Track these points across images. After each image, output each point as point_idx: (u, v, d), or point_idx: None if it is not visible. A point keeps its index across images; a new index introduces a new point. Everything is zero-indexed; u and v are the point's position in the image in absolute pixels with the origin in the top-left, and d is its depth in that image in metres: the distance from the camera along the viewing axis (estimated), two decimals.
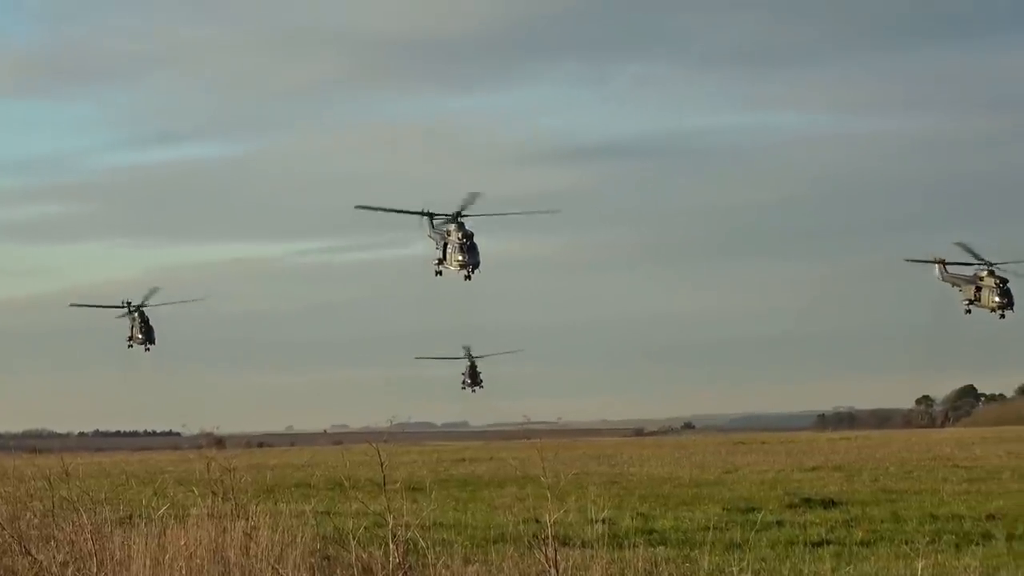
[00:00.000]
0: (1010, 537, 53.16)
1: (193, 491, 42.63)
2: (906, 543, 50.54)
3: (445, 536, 45.11)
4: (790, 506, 69.41)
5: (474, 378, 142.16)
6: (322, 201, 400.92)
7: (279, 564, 32.06)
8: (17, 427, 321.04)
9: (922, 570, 31.58)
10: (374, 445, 38.22)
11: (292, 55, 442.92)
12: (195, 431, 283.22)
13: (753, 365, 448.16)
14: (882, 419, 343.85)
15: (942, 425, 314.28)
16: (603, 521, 54.30)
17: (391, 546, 33.30)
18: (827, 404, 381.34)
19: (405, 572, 31.83)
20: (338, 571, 33.47)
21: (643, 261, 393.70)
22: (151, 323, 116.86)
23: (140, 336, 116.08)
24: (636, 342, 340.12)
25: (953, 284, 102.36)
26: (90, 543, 36.55)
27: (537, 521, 37.68)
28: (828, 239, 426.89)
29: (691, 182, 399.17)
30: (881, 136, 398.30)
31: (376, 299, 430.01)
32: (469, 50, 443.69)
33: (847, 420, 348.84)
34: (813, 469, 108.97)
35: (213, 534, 33.40)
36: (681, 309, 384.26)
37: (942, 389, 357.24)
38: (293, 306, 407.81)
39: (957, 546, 50.86)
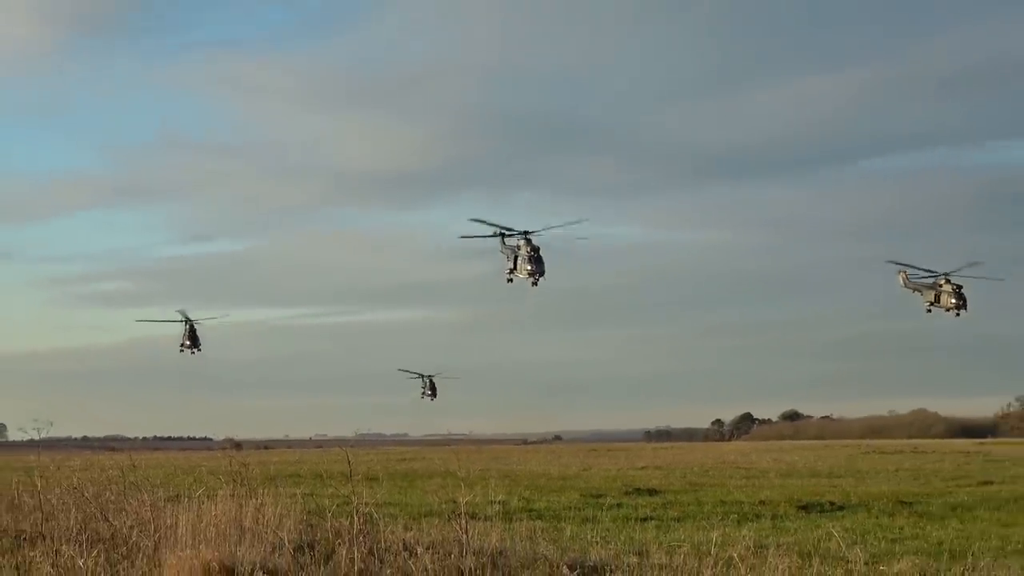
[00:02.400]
0: (774, 516, 53.86)
1: (220, 479, 43.31)
2: (704, 519, 51.07)
3: (391, 511, 45.32)
4: (626, 493, 70.26)
5: (433, 391, 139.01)
6: (308, 282, 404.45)
7: (279, 529, 33.19)
8: (100, 432, 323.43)
9: (715, 537, 32.23)
10: (343, 449, 39.18)
11: (287, 183, 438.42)
12: (221, 437, 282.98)
13: (600, 396, 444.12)
14: (689, 435, 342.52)
15: (729, 440, 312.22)
16: (498, 502, 55.83)
17: (354, 517, 34.18)
18: (651, 424, 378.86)
19: (364, 535, 32.75)
20: (318, 534, 34.57)
21: (529, 324, 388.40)
22: (197, 333, 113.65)
23: (189, 342, 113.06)
24: (523, 379, 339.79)
25: (915, 290, 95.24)
26: (149, 514, 37.29)
27: (454, 502, 38.99)
28: (652, 311, 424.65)
29: (563, 272, 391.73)
30: (691, 243, 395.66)
31: (345, 348, 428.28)
32: (408, 182, 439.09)
33: (665, 435, 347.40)
34: (642, 468, 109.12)
35: (233, 508, 34.22)
36: (554, 357, 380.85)
37: (728, 414, 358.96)
38: (287, 352, 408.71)
39: (739, 522, 50.75)
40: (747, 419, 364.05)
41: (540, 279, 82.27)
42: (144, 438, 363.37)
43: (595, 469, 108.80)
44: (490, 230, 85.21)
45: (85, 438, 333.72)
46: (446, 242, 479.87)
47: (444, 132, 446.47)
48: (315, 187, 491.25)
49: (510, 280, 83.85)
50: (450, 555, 30.32)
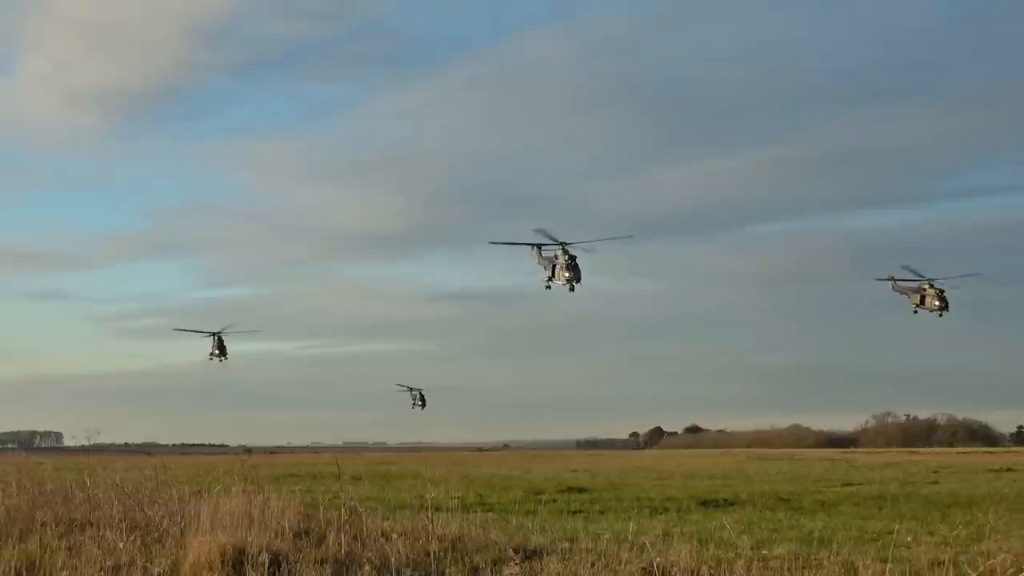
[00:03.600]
0: (679, 510, 53.68)
1: (233, 478, 43.08)
2: (623, 512, 50.84)
3: (372, 505, 45.09)
4: (560, 491, 69.90)
5: (423, 402, 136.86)
6: (308, 320, 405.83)
7: (281, 518, 32.99)
8: (139, 440, 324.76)
9: (631, 527, 32.17)
10: (333, 455, 39.12)
11: (292, 241, 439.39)
12: (235, 444, 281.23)
13: (541, 412, 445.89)
14: (611, 444, 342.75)
15: (643, 448, 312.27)
16: (458, 498, 55.90)
17: (342, 509, 34.17)
18: (582, 435, 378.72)
19: (350, 524, 32.65)
20: (313, 523, 34.38)
21: (489, 355, 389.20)
22: (225, 343, 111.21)
23: (217, 351, 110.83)
24: (479, 399, 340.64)
25: (902, 293, 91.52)
26: (176, 506, 37.20)
27: (422, 497, 38.69)
28: (583, 345, 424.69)
29: (513, 312, 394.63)
30: (615, 291, 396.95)
31: (336, 373, 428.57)
32: (388, 241, 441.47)
33: (592, 444, 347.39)
34: (573, 471, 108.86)
35: (244, 502, 33.91)
36: (505, 381, 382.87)
37: (643, 428, 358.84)
38: (290, 375, 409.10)
39: (650, 515, 50.41)
40: (657, 432, 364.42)
41: (577, 285, 77.82)
42: (173, 444, 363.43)
43: (535, 471, 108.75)
44: (526, 240, 79.77)
45: (126, 444, 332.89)
46: (419, 289, 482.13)
47: (418, 202, 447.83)
48: (314, 245, 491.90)
49: (548, 287, 78.62)
50: (419, 540, 30.32)
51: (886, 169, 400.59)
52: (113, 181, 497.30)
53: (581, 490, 71.15)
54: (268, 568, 25.07)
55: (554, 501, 60.82)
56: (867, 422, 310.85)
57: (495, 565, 26.68)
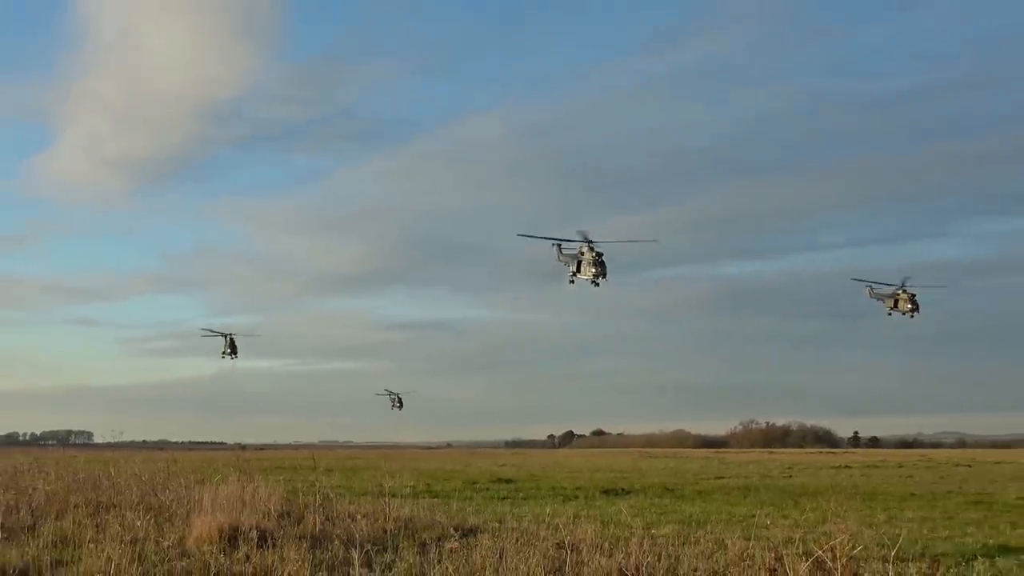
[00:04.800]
0: (586, 498, 53.32)
1: (230, 469, 42.91)
2: (542, 499, 50.47)
3: (341, 491, 45.03)
4: (492, 481, 69.52)
5: (401, 404, 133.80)
6: (292, 343, 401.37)
7: (267, 502, 32.82)
8: (154, 438, 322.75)
9: (548, 510, 32.18)
10: (310, 451, 39.00)
11: (280, 280, 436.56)
12: (232, 442, 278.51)
13: (476, 417, 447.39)
14: (532, 444, 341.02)
15: (558, 448, 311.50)
16: (410, 487, 55.69)
17: (317, 494, 34.13)
18: (509, 436, 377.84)
19: (323, 507, 32.53)
20: (293, 506, 34.22)
21: (435, 371, 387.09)
22: (236, 343, 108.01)
23: (229, 350, 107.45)
24: (428, 407, 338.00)
25: (878, 299, 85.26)
26: (184, 491, 37.12)
27: (381, 486, 38.73)
28: (509, 364, 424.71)
29: (455, 337, 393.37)
30: (535, 320, 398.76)
31: (315, 385, 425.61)
32: (356, 280, 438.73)
33: (517, 444, 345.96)
34: (502, 465, 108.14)
35: (238, 489, 33.69)
36: (448, 393, 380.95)
37: (558, 430, 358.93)
38: (278, 386, 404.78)
39: (563, 501, 50.22)
40: (569, 434, 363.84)
41: (602, 280, 68.27)
42: (182, 442, 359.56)
43: (472, 466, 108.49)
44: (550, 239, 70.42)
45: (144, 442, 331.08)
46: (380, 319, 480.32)
47: (380, 248, 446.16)
48: (297, 283, 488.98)
49: (572, 282, 68.84)
50: (378, 520, 30.37)
51: (750, 228, 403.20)
52: (137, 230, 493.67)
53: (508, 481, 70.78)
54: (257, 542, 24.94)
55: (487, 490, 60.77)
56: (736, 427, 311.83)
57: (439, 540, 26.69)
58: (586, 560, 21.70)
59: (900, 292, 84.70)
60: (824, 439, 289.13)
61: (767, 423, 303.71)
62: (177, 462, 55.75)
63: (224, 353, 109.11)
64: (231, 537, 26.17)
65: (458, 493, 54.80)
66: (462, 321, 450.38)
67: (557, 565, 21.20)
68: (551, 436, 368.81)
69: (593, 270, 67.23)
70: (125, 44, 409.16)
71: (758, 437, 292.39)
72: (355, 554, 21.38)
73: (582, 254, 68.36)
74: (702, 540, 27.55)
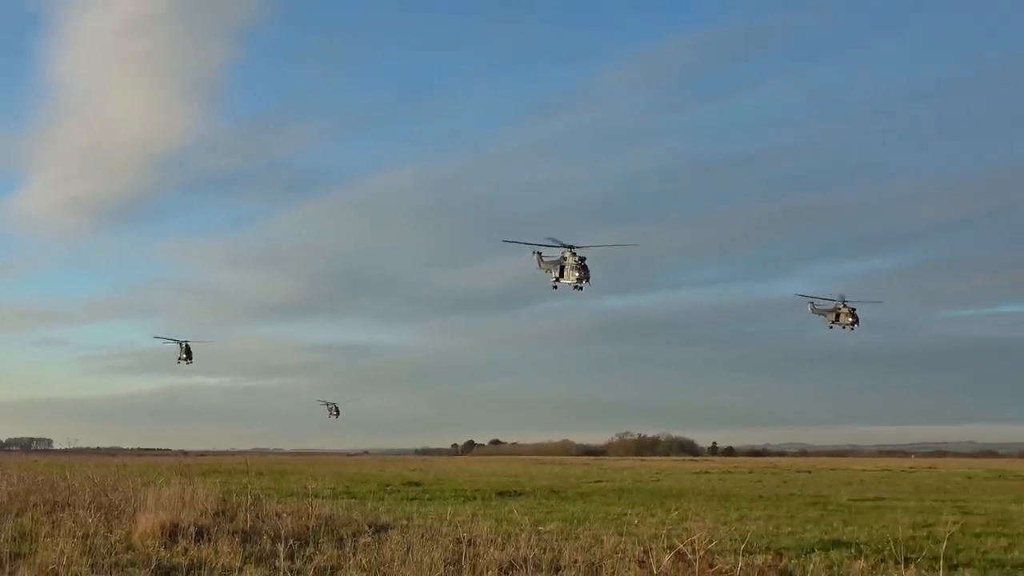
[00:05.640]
0: (483, 499, 52.82)
1: (173, 473, 42.28)
2: (445, 500, 50.17)
3: (270, 492, 44.43)
4: (402, 484, 68.85)
5: (338, 413, 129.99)
6: (231, 362, 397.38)
7: (205, 502, 32.34)
8: (108, 444, 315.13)
9: (450, 510, 32.24)
10: (244, 458, 38.53)
11: (222, 307, 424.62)
12: (176, 449, 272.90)
13: (388, 428, 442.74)
14: (439, 452, 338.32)
15: (460, 455, 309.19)
16: (330, 488, 55.12)
17: (248, 495, 33.76)
18: (418, 445, 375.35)
19: (253, 506, 32.13)
20: (228, 505, 33.66)
21: (353, 387, 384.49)
22: (191, 349, 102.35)
23: (185, 356, 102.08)
24: (347, 419, 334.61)
25: (819, 314, 79.11)
26: (131, 492, 36.50)
27: (305, 487, 38.29)
28: (418, 383, 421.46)
29: (369, 358, 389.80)
30: (441, 346, 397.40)
31: (250, 399, 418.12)
32: (286, 309, 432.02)
33: (425, 452, 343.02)
34: (411, 470, 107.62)
35: (179, 490, 33.23)
36: (364, 406, 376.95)
37: (460, 440, 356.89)
38: (216, 400, 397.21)
39: (464, 502, 49.00)
40: (470, 443, 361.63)
41: (586, 284, 61.87)
42: (132, 448, 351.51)
43: (386, 471, 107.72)
44: (531, 244, 64.07)
45: (98, 448, 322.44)
46: (305, 342, 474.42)
47: (307, 281, 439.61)
48: (235, 311, 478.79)
49: (555, 287, 62.53)
50: (302, 518, 30.01)
51: (627, 267, 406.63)
52: (98, 263, 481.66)
53: (416, 484, 70.41)
54: (194, 537, 24.94)
55: (398, 492, 60.35)
56: (613, 438, 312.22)
57: (354, 536, 26.53)
58: (481, 553, 21.76)
59: (841, 307, 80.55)
60: (688, 448, 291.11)
61: (640, 434, 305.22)
62: (126, 466, 54.76)
63: (180, 359, 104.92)
64: (172, 533, 25.89)
65: (373, 495, 54.53)
66: (377, 344, 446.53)
67: (456, 557, 21.18)
68: (455, 445, 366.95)
69: (576, 274, 62.21)
70: (90, 99, 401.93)
71: (632, 446, 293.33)
72: (280, 548, 21.26)
73: (564, 259, 62.91)
74: (582, 536, 27.73)
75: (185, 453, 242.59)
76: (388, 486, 66.72)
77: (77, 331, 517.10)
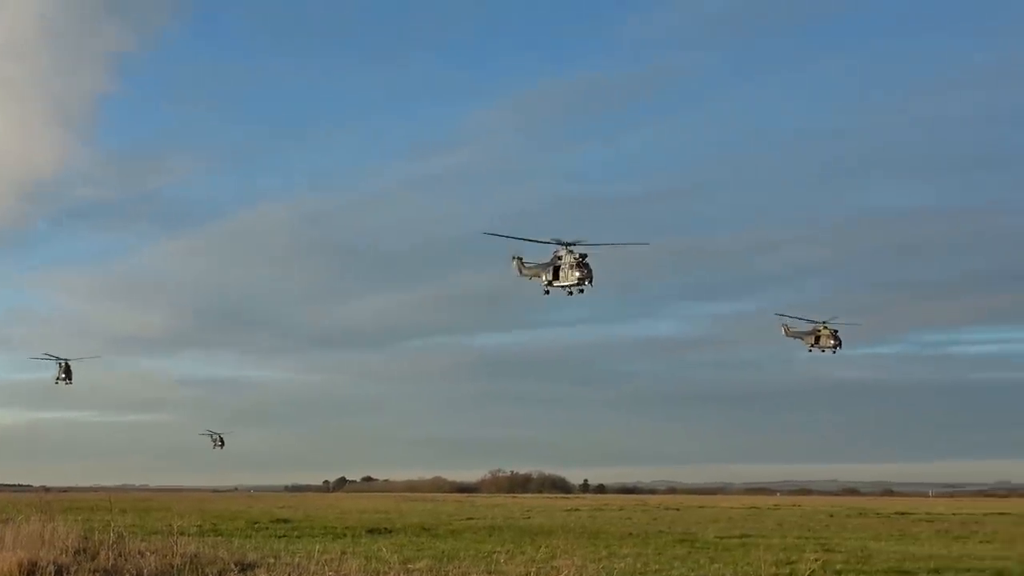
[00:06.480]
0: (353, 536, 52.60)
1: (34, 510, 41.11)
2: (315, 537, 49.72)
3: (134, 530, 43.54)
4: (272, 521, 68.07)
5: (223, 443, 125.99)
6: (97, 397, 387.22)
7: (65, 539, 31.81)
8: None
9: (318, 547, 31.92)
10: (108, 494, 37.72)
11: (87, 341, 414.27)
12: (37, 485, 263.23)
13: (258, 464, 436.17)
14: (310, 488, 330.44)
15: (331, 492, 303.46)
16: (197, 526, 54.01)
17: (111, 532, 33.12)
18: (289, 481, 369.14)
19: (116, 543, 31.59)
20: (89, 543, 33.09)
21: (222, 422, 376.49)
22: (71, 368, 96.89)
23: (64, 375, 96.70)
24: (217, 454, 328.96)
25: (795, 337, 74.09)
26: None
27: (171, 525, 37.52)
28: (288, 419, 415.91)
29: (242, 394, 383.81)
30: (311, 382, 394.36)
31: (117, 436, 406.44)
32: (156, 341, 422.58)
33: (295, 488, 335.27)
34: (281, 507, 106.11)
35: (39, 527, 32.71)
36: (236, 441, 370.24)
37: (332, 476, 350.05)
38: (83, 436, 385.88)
39: (334, 539, 49.74)
40: (342, 480, 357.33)
41: (588, 286, 53.25)
42: None
43: (254, 507, 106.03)
44: (514, 242, 55.82)
45: None
46: (174, 376, 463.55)
47: (178, 315, 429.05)
48: (102, 343, 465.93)
49: (547, 292, 54.37)
50: (167, 556, 29.61)
51: (500, 306, 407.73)
52: None
53: (286, 521, 69.62)
54: None
55: (267, 529, 59.91)
56: (485, 475, 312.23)
57: (220, 574, 26.27)
58: None
59: (822, 327, 75.08)
60: (560, 485, 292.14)
61: (512, 471, 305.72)
62: None
63: (58, 379, 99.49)
64: (30, 572, 25.43)
65: (241, 532, 53.95)
66: (250, 380, 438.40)
67: None
68: (326, 481, 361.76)
69: (577, 273, 53.46)
70: None
71: (505, 483, 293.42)
72: None
73: (559, 258, 54.40)
74: (451, 573, 27.79)
75: (47, 489, 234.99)
76: (257, 523, 65.84)
77: None
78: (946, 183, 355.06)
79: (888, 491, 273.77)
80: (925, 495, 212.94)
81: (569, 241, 53.48)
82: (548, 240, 53.83)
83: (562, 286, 53.93)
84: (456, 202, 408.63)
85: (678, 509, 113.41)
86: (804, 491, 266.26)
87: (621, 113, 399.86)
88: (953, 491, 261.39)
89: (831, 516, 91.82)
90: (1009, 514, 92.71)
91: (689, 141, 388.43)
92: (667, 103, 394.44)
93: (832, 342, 74.62)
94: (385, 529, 60.76)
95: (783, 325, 76.24)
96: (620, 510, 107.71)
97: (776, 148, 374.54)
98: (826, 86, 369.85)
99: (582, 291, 53.38)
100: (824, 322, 74.76)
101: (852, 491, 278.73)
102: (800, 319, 75.37)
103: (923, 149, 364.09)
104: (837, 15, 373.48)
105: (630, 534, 59.30)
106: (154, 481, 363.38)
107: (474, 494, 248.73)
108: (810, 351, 75.59)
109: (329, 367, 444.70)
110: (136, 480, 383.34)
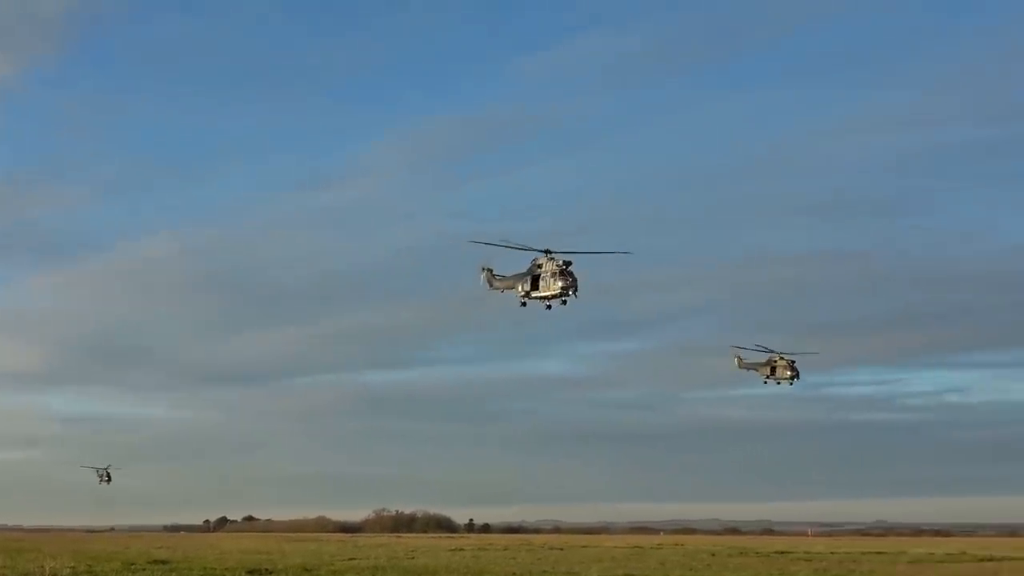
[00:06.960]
0: (268, 575, 51.96)
1: None
2: None
3: (5, 572, 42.40)
4: (149, 562, 66.13)
5: (109, 479, 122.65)
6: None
7: None
8: None
9: None
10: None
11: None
12: None
13: (137, 505, 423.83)
14: (190, 528, 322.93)
15: (212, 531, 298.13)
16: (71, 567, 52.30)
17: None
18: (169, 521, 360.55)
19: None
20: None
21: (101, 461, 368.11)
22: None
23: None
24: (93, 493, 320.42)
25: (749, 369, 72.49)
26: None
27: (44, 567, 36.44)
28: (171, 455, 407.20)
29: (121, 432, 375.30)
30: (217, 421, 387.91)
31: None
32: (32, 377, 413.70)
33: (176, 528, 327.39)
34: (160, 548, 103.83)
35: None
36: (118, 483, 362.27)
37: (212, 516, 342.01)
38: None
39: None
40: (223, 519, 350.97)
41: (572, 295, 49.01)
42: None
43: (132, 548, 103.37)
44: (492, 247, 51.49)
45: None
46: (53, 413, 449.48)
47: (56, 350, 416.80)
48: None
49: (524, 304, 50.73)
50: None
51: (388, 343, 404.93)
52: None
53: (164, 562, 67.95)
54: None
55: (144, 570, 58.22)
56: (370, 514, 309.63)
57: None
58: None
59: (778, 359, 73.59)
60: (445, 525, 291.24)
61: (397, 511, 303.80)
62: None
63: None
64: None
65: (116, 573, 52.64)
66: (128, 416, 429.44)
67: None
68: (207, 521, 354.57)
69: (560, 283, 49.64)
70: None
71: (389, 523, 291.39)
72: None
73: (539, 267, 50.73)
74: None
75: None
76: (133, 564, 64.21)
77: None
78: (833, 226, 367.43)
79: (769, 530, 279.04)
80: (804, 534, 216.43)
81: (548, 250, 49.56)
82: (527, 248, 49.81)
83: (542, 297, 50.39)
84: (344, 237, 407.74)
85: (562, 549, 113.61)
86: (687, 530, 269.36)
87: (510, 153, 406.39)
88: (832, 530, 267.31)
89: (713, 555, 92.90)
90: (885, 553, 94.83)
91: (578, 181, 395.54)
92: (556, 143, 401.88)
93: (789, 373, 74.18)
94: (266, 570, 59.76)
95: (736, 357, 75.65)
96: (505, 550, 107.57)
97: (665, 189, 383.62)
98: (718, 128, 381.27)
99: (564, 303, 49.76)
100: (781, 354, 74.08)
101: (734, 530, 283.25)
102: (755, 350, 74.56)
103: (812, 193, 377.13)
104: (733, 58, 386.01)
105: (514, 574, 59.39)
106: (27, 521, 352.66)
107: (358, 534, 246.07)
108: (765, 383, 75.02)
109: (212, 404, 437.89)
110: (8, 520, 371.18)
